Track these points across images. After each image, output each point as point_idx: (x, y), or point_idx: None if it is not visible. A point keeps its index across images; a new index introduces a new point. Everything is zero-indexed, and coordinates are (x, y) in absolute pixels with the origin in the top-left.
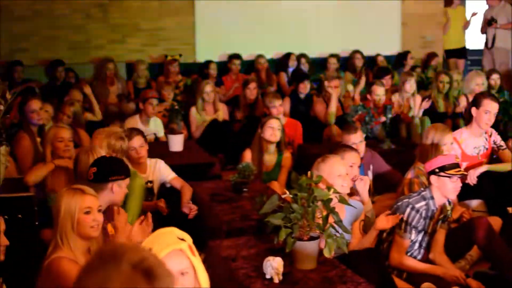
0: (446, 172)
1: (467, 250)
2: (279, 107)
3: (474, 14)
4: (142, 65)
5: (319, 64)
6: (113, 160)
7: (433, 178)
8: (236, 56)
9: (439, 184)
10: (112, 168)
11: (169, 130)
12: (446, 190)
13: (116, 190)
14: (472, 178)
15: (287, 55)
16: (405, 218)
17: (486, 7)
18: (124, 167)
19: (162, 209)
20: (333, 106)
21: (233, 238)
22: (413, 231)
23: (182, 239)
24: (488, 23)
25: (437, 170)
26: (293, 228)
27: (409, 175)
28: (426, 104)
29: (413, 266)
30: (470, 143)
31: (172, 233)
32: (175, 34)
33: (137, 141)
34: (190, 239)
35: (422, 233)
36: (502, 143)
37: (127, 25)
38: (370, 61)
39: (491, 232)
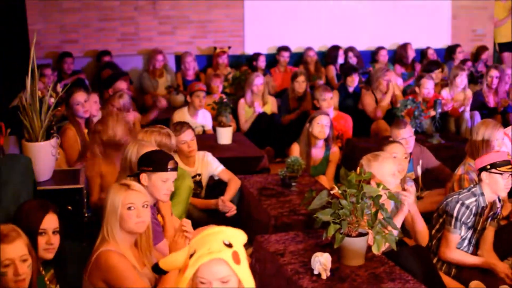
0: (498, 169)
1: None
2: (330, 100)
3: None
4: (189, 56)
5: (368, 57)
6: (148, 152)
7: (484, 174)
8: (285, 48)
9: (490, 181)
10: (143, 158)
11: (217, 122)
12: (497, 187)
13: (146, 181)
14: None
15: (335, 48)
16: (454, 214)
17: None
18: (156, 160)
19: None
20: (387, 100)
21: (281, 233)
22: (463, 227)
23: (229, 244)
24: None
25: (488, 167)
26: (342, 224)
27: (459, 171)
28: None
29: (462, 259)
30: None
31: (220, 236)
32: (224, 26)
33: (187, 135)
34: (241, 240)
35: (472, 229)
36: None
37: (177, 17)
38: (420, 54)
39: None
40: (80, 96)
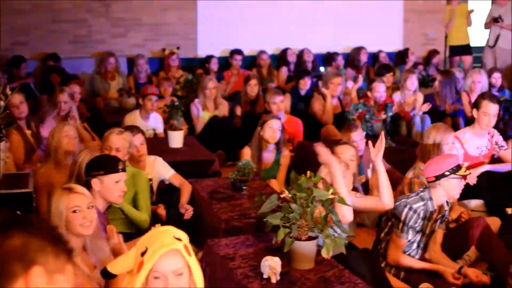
0: (457, 173)
1: (465, 250)
2: (280, 103)
3: (471, 11)
4: (141, 59)
5: (321, 60)
6: (96, 157)
7: (443, 180)
8: (238, 51)
9: (449, 186)
10: (91, 164)
11: (169, 126)
12: (455, 191)
13: (97, 185)
14: (472, 178)
15: (286, 51)
16: (402, 218)
17: (489, 3)
18: (106, 163)
19: (161, 216)
20: (328, 105)
21: (231, 237)
22: (410, 231)
23: (179, 239)
24: (494, 20)
25: (447, 173)
26: (292, 228)
27: (410, 174)
28: (426, 107)
29: (410, 264)
30: (473, 143)
31: (169, 232)
32: (177, 29)
33: (137, 139)
34: (187, 238)
35: (420, 233)
36: (504, 143)
37: (129, 19)
38: (372, 57)
39: (489, 232)
40: (14, 98)
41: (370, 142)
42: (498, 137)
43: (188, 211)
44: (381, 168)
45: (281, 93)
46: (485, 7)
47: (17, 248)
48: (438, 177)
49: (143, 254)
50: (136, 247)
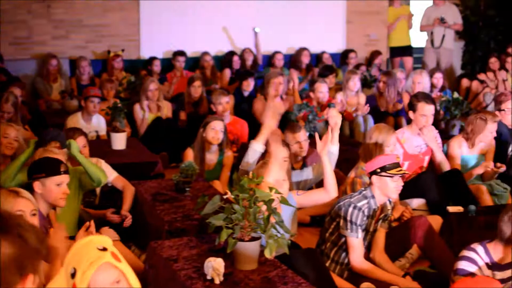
0: (388, 172)
1: (407, 248)
2: (226, 104)
3: (411, 15)
4: (84, 61)
5: (266, 61)
6: (37, 160)
7: (374, 178)
8: (181, 52)
9: (380, 183)
10: (32, 167)
11: (111, 128)
12: (387, 189)
13: (39, 188)
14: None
15: (231, 53)
16: (349, 218)
17: (429, 5)
18: (48, 165)
19: (114, 220)
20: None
21: (174, 239)
22: (360, 229)
23: (104, 249)
24: (442, 20)
25: (378, 170)
26: (235, 229)
27: (352, 174)
28: (367, 109)
29: (372, 272)
30: (412, 142)
31: (91, 244)
32: (119, 30)
33: (79, 142)
34: (110, 242)
35: (364, 232)
36: (440, 140)
37: (71, 21)
38: (316, 58)
39: (431, 231)
40: None
41: (317, 134)
42: (436, 134)
43: (127, 220)
44: (327, 162)
45: (227, 94)
46: (423, 9)
47: (13, 258)
48: (371, 174)
49: (73, 275)
50: (64, 267)
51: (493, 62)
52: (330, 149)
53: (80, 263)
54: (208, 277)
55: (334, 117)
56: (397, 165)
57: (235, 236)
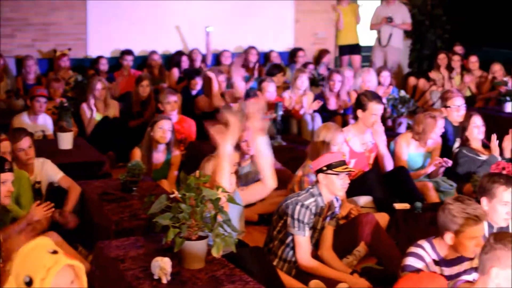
0: (334, 170)
1: (354, 246)
2: (174, 103)
3: (357, 7)
4: (30, 60)
5: (214, 60)
6: None
7: (321, 176)
8: (128, 51)
9: (327, 181)
10: None
11: (58, 127)
12: (334, 187)
13: None
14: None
15: (179, 52)
16: (296, 216)
17: (377, 4)
18: None
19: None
20: (215, 103)
21: (122, 238)
22: (307, 228)
23: (54, 251)
24: (389, 19)
25: (324, 168)
26: (182, 228)
27: (300, 173)
28: (317, 105)
29: (319, 270)
30: (357, 140)
31: (40, 249)
32: (66, 29)
33: (25, 142)
34: (51, 241)
35: (312, 229)
36: (384, 137)
37: (17, 19)
38: (264, 57)
39: (378, 228)
40: None
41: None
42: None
43: (70, 222)
44: (262, 149)
45: (175, 93)
46: (373, 7)
47: None
48: (317, 172)
49: (29, 284)
50: (14, 276)
51: (442, 58)
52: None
53: (36, 271)
54: (155, 277)
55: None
56: (343, 163)
57: (182, 235)
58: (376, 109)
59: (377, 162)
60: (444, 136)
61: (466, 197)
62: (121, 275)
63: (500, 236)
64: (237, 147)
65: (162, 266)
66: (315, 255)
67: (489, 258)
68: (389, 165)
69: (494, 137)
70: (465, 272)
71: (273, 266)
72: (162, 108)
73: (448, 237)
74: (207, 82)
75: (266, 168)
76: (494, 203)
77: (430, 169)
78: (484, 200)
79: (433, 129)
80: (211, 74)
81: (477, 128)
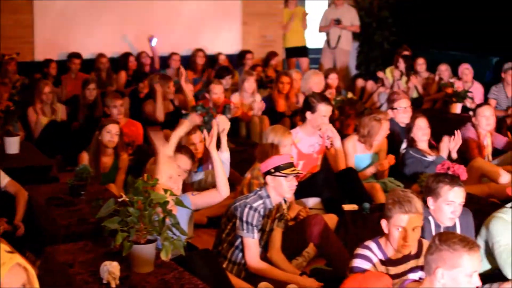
0: (282, 172)
1: (303, 247)
2: (120, 107)
3: (305, 14)
4: None
5: (162, 63)
6: None
7: (269, 178)
8: (76, 55)
9: (275, 184)
10: None
11: (4, 131)
12: (282, 189)
13: None
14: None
15: (126, 54)
16: (244, 218)
17: (324, 7)
18: None
19: (6, 229)
20: (159, 107)
21: (70, 243)
22: (255, 230)
23: (11, 251)
24: (337, 22)
25: (272, 170)
26: (130, 232)
27: (248, 175)
28: (261, 106)
29: (269, 272)
30: (306, 142)
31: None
32: (13, 32)
33: None
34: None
35: (260, 232)
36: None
37: None
38: (212, 60)
39: (326, 229)
40: None
41: (205, 131)
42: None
43: (19, 230)
44: (216, 156)
45: (120, 97)
46: (321, 10)
47: None
48: (265, 174)
49: None
50: None
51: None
52: (221, 157)
53: None
54: (104, 281)
55: (222, 124)
56: (291, 165)
57: (131, 239)
58: (324, 110)
59: (326, 163)
60: (391, 137)
61: (410, 191)
62: (70, 280)
63: (445, 237)
64: (189, 152)
65: (111, 270)
66: (264, 257)
67: (435, 259)
68: (342, 164)
69: (444, 138)
70: (411, 270)
71: (222, 269)
72: (109, 112)
73: (384, 224)
74: (154, 91)
75: (220, 176)
76: (440, 203)
77: (371, 170)
78: (430, 200)
79: (378, 132)
80: (157, 87)
81: (421, 130)
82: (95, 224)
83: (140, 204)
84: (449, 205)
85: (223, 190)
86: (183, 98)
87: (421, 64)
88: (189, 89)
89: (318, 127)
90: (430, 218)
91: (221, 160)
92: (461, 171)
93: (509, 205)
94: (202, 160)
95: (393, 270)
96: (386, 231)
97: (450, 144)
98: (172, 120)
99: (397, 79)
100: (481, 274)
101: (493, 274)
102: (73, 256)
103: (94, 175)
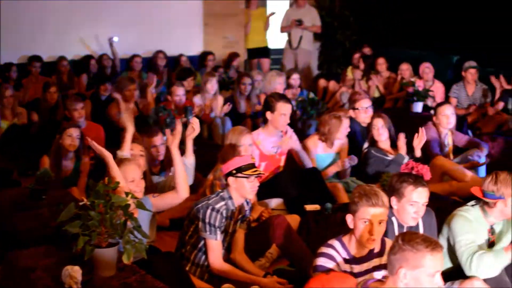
0: (243, 172)
1: (266, 248)
2: (81, 110)
3: (271, 14)
4: None
5: (124, 65)
6: None
7: (231, 179)
8: (37, 58)
9: (237, 185)
10: None
11: None
12: (244, 190)
13: None
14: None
15: (88, 57)
16: (207, 220)
17: (286, 7)
18: None
19: None
20: (125, 110)
21: (32, 248)
22: (218, 231)
23: None
24: (299, 22)
25: (234, 172)
26: (92, 236)
27: (211, 176)
28: (227, 108)
29: (231, 273)
30: (268, 143)
31: None
32: None
33: None
34: None
35: (223, 234)
36: (296, 137)
37: None
38: (174, 61)
39: (289, 230)
40: None
41: (168, 130)
42: (292, 133)
43: None
44: (177, 156)
45: (81, 100)
46: (282, 11)
47: None
48: (226, 175)
49: None
50: None
51: (357, 57)
52: (185, 162)
53: None
54: (66, 286)
55: (195, 127)
56: (252, 165)
57: (92, 243)
58: (284, 108)
59: (289, 164)
60: (352, 137)
61: (375, 186)
62: (31, 285)
63: (408, 237)
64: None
65: (72, 274)
66: (228, 258)
67: (398, 259)
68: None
69: (401, 136)
70: (374, 269)
71: (185, 271)
72: (70, 115)
73: (349, 219)
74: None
75: (180, 176)
76: (403, 203)
77: (333, 169)
78: (393, 200)
79: (338, 129)
80: (116, 96)
81: (377, 130)
82: (56, 229)
83: (101, 208)
84: (413, 205)
85: (182, 191)
86: (146, 102)
87: (381, 63)
88: (151, 94)
89: (280, 127)
90: (393, 218)
91: (186, 165)
92: (425, 171)
93: (470, 203)
94: (164, 163)
95: (357, 268)
96: (351, 226)
97: (414, 142)
98: (136, 124)
99: (358, 79)
100: (442, 273)
101: (454, 272)
102: (35, 261)
103: (56, 179)
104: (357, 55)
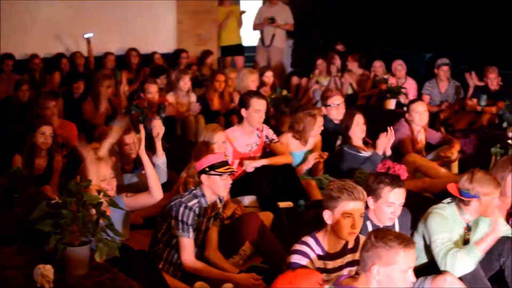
0: (216, 170)
1: (240, 245)
2: (54, 108)
3: (242, 12)
4: None
5: (97, 63)
6: None
7: (204, 177)
8: (8, 55)
9: (209, 182)
10: None
11: None
12: (217, 188)
13: None
14: (248, 167)
15: (60, 55)
16: (180, 218)
17: (259, 5)
18: None
19: None
20: (102, 107)
21: (4, 247)
22: (191, 229)
23: None
24: (271, 20)
25: (207, 169)
26: (63, 234)
27: (184, 174)
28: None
29: (204, 271)
30: (242, 141)
31: None
32: None
33: None
34: None
35: (196, 231)
36: (274, 136)
37: None
38: (147, 59)
39: (262, 227)
40: None
41: (142, 130)
42: (268, 131)
43: None
44: (146, 161)
45: (54, 98)
46: (255, 8)
47: None
48: (199, 173)
49: None
50: None
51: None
52: (156, 162)
53: None
54: (38, 285)
55: (156, 128)
56: (225, 163)
57: (64, 241)
58: (258, 104)
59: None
60: (325, 134)
61: (350, 180)
62: (3, 284)
63: (381, 234)
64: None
65: (44, 273)
66: (201, 256)
67: (370, 256)
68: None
69: (382, 135)
70: (347, 264)
71: (158, 269)
72: (42, 113)
73: (327, 215)
74: (96, 91)
75: (152, 179)
76: (380, 204)
77: (307, 165)
78: (370, 200)
79: (313, 127)
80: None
81: (359, 127)
82: (28, 227)
83: (73, 206)
84: (390, 206)
85: (156, 193)
86: (119, 100)
87: (354, 61)
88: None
89: (255, 124)
90: (368, 222)
91: (157, 164)
92: (402, 171)
93: (446, 201)
94: (137, 160)
95: (331, 264)
96: (330, 221)
97: (380, 140)
98: (108, 121)
99: (334, 75)
100: (416, 268)
101: (428, 267)
102: (6, 260)
103: (28, 177)
104: (332, 52)
